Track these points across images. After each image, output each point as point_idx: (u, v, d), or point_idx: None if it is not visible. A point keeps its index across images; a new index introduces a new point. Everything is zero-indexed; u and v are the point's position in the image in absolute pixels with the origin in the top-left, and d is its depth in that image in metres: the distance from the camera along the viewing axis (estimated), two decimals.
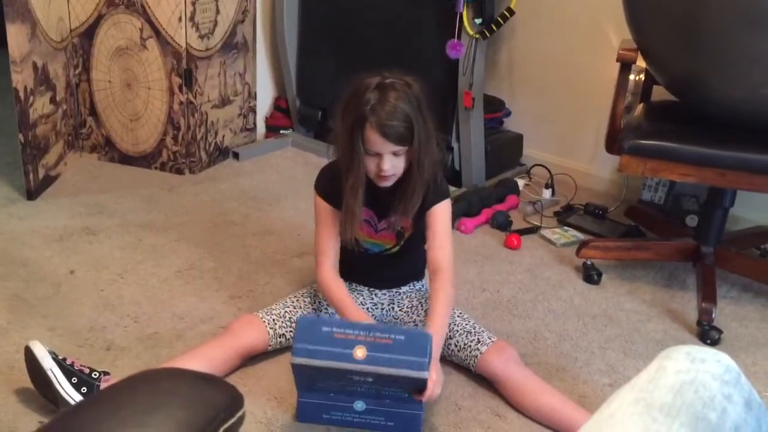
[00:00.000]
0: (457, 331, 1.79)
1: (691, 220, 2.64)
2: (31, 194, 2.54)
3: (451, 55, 2.63)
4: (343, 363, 1.50)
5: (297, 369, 1.54)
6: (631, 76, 2.46)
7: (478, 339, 1.76)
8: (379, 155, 1.64)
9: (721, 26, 1.84)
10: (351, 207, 1.72)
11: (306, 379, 1.56)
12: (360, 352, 1.51)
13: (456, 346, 1.78)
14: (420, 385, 1.53)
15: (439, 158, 1.78)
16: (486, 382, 1.76)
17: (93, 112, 2.88)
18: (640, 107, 2.36)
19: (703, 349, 0.81)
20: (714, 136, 2.05)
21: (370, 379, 1.53)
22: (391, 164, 1.65)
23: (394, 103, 1.60)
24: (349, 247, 1.81)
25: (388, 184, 1.70)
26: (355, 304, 1.76)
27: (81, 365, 1.59)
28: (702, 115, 2.11)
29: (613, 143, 2.19)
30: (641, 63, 2.22)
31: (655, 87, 2.42)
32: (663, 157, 2.02)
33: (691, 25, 1.92)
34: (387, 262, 1.88)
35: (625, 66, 2.15)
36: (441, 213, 1.78)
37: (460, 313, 1.84)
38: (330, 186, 1.77)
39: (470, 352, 1.76)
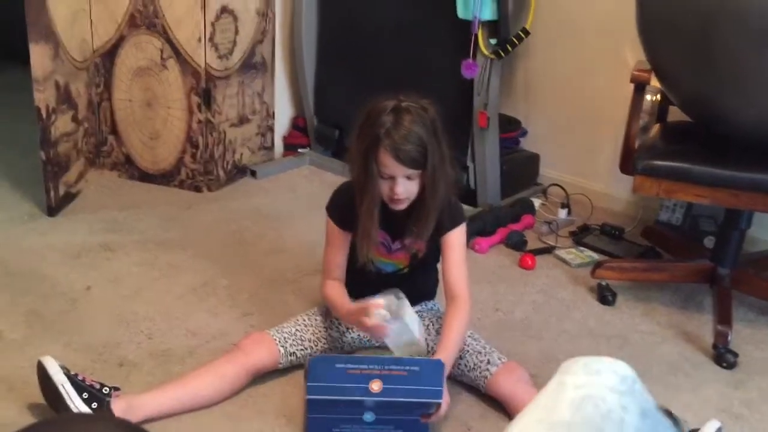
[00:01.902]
0: (468, 351, 1.79)
1: (709, 242, 2.61)
2: (52, 210, 2.59)
3: (465, 74, 2.64)
4: (359, 397, 1.54)
5: (312, 404, 1.57)
6: (648, 97, 2.45)
7: (488, 360, 1.76)
8: (392, 178, 1.65)
9: (733, 46, 1.84)
10: (367, 229, 1.72)
11: (320, 411, 1.59)
12: (376, 386, 1.54)
13: (466, 366, 1.78)
14: (431, 409, 1.57)
15: (455, 181, 1.79)
16: (497, 403, 1.75)
17: (114, 130, 2.93)
18: (655, 128, 2.36)
19: (600, 359, 0.83)
20: (728, 157, 2.04)
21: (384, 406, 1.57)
22: (405, 188, 1.66)
23: (408, 127, 1.61)
24: (360, 267, 1.81)
25: (401, 207, 1.71)
26: (347, 300, 1.77)
27: (92, 381, 1.61)
28: (717, 136, 2.10)
29: (627, 164, 2.18)
30: (656, 83, 2.22)
31: (672, 107, 2.41)
32: (676, 178, 2.01)
33: (703, 44, 1.91)
34: (399, 281, 1.87)
35: (639, 86, 2.14)
36: (456, 239, 1.79)
37: (471, 333, 1.83)
38: (343, 209, 1.78)
39: (480, 372, 1.75)
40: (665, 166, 2.03)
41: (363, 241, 1.75)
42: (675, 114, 2.39)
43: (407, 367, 1.54)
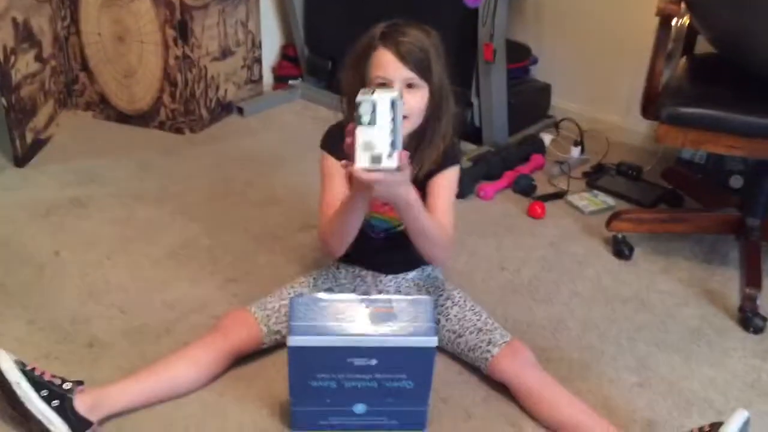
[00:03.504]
0: (468, 328, 1.62)
1: (735, 181, 2.40)
2: (19, 161, 2.38)
3: (468, 3, 2.36)
4: (345, 337, 1.36)
5: (294, 355, 1.39)
6: (674, 21, 2.18)
7: (489, 339, 1.58)
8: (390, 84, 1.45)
9: None
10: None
11: (303, 370, 1.42)
12: (362, 325, 1.37)
13: (466, 345, 1.61)
14: (429, 357, 1.39)
15: (457, 117, 1.58)
16: (500, 385, 1.59)
17: (85, 67, 2.68)
18: (681, 62, 2.10)
19: None
20: (766, 101, 1.79)
21: (373, 362, 1.39)
22: (405, 97, 1.40)
23: (408, 31, 1.45)
24: None
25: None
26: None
27: (51, 376, 1.45)
28: (751, 75, 1.84)
29: (650, 107, 1.94)
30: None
31: (700, 36, 2.14)
32: (707, 128, 1.78)
33: None
34: (394, 242, 1.68)
35: (666, 20, 1.87)
36: (446, 180, 1.58)
37: (472, 306, 1.66)
38: (338, 142, 1.52)
39: (481, 353, 1.58)
40: (694, 114, 1.79)
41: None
42: (703, 45, 2.12)
43: (394, 304, 1.40)
